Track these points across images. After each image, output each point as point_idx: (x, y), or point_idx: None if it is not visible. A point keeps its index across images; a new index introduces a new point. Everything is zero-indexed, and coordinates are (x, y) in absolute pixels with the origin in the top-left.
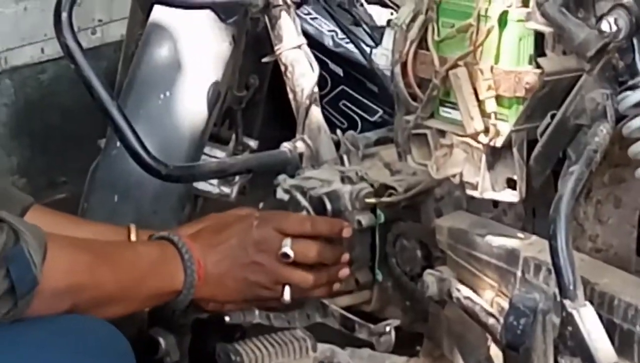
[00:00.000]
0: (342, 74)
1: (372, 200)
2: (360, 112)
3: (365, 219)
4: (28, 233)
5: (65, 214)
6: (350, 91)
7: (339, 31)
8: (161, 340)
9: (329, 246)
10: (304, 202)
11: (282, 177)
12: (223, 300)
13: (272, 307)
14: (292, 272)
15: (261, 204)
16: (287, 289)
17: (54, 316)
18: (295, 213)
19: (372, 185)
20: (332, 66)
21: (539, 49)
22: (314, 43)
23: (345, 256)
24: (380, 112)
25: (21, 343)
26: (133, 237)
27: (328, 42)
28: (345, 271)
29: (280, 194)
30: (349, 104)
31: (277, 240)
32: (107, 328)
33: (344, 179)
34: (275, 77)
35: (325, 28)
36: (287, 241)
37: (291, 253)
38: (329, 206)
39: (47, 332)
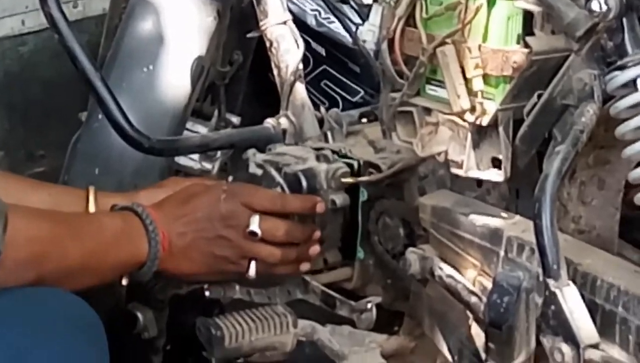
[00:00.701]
0: (324, 54)
1: (349, 180)
2: (341, 92)
3: (339, 199)
4: None
5: (22, 177)
6: (332, 71)
7: (322, 10)
8: (139, 315)
9: (299, 225)
10: (278, 178)
11: (251, 151)
12: (188, 272)
13: (240, 281)
14: (259, 247)
15: (230, 178)
16: (252, 264)
17: (19, 289)
18: (264, 189)
19: (356, 162)
20: (314, 45)
21: (528, 28)
22: (297, 22)
23: (317, 234)
24: (362, 92)
25: None
26: (91, 200)
27: (311, 21)
28: (315, 249)
29: (253, 168)
30: (331, 84)
31: (245, 216)
32: (73, 300)
33: (319, 157)
34: (259, 54)
35: (309, 7)
36: (255, 219)
37: (259, 231)
38: (304, 183)
39: (8, 303)
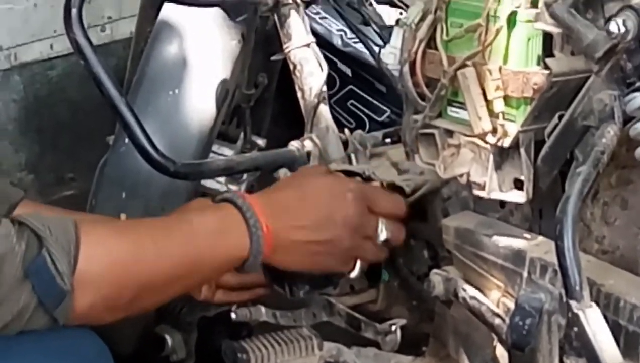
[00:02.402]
0: (350, 74)
1: None
2: (368, 112)
3: None
4: (51, 239)
5: (52, 206)
6: (359, 91)
7: (347, 31)
8: (167, 338)
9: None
10: None
11: (282, 171)
12: (292, 268)
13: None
14: (372, 250)
15: None
16: (358, 265)
17: None
18: (383, 191)
19: (381, 184)
20: (340, 65)
21: (548, 49)
22: (323, 42)
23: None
24: (388, 112)
25: None
26: None
27: (337, 41)
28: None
29: None
30: (357, 104)
31: (373, 223)
32: (81, 333)
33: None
34: (284, 76)
35: (334, 27)
36: (383, 226)
37: (388, 237)
38: None
39: (16, 336)
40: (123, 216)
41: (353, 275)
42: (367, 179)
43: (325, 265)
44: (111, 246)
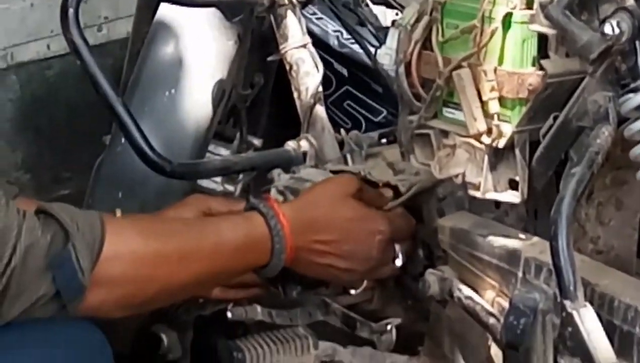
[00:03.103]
0: (346, 75)
1: None
2: (364, 112)
3: None
4: (78, 234)
5: (69, 208)
6: (355, 92)
7: (344, 31)
8: (163, 337)
9: None
10: None
11: (276, 171)
12: (308, 275)
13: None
14: (387, 274)
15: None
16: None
17: None
18: (403, 217)
19: (376, 184)
20: (336, 66)
21: (542, 51)
22: (319, 43)
23: None
24: (385, 112)
25: None
26: None
27: (333, 42)
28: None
29: (275, 194)
30: (354, 105)
31: (391, 254)
32: (81, 325)
33: None
34: (281, 76)
35: (331, 28)
36: (400, 253)
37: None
38: None
39: (16, 328)
40: (118, 212)
41: (357, 291)
42: (364, 181)
43: (338, 283)
44: (135, 249)
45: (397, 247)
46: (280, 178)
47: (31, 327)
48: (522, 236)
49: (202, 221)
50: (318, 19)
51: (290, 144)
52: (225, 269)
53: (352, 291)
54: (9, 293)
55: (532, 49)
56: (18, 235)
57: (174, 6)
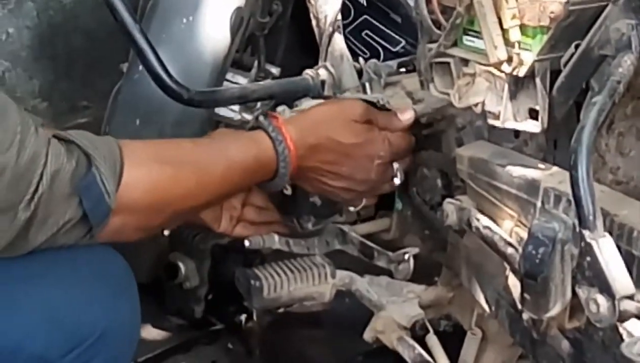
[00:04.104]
0: (365, 4)
1: None
2: (382, 42)
3: None
4: (100, 158)
5: (86, 134)
6: (373, 21)
7: None
8: (181, 265)
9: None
10: None
11: (281, 108)
12: (314, 191)
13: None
14: (383, 189)
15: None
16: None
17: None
18: (406, 140)
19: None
20: None
21: None
22: None
23: None
24: (403, 42)
25: (11, 276)
26: None
27: None
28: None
29: None
30: (372, 34)
31: (391, 172)
32: (104, 252)
33: None
34: (299, 4)
35: None
36: (399, 172)
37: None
38: None
39: (39, 258)
40: None
41: (355, 209)
42: (382, 108)
43: (337, 199)
44: (153, 170)
45: (396, 166)
46: (285, 113)
47: (56, 257)
48: (541, 166)
49: (213, 143)
50: None
51: (309, 73)
52: (234, 188)
53: (351, 208)
54: (36, 219)
55: None
56: (45, 162)
57: None
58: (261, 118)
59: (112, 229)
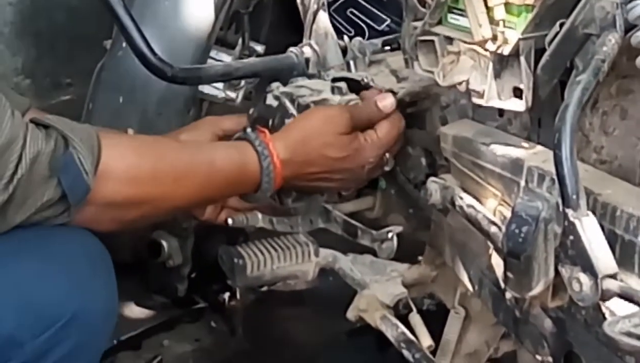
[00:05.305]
0: None
1: None
2: (367, 20)
3: None
4: (78, 139)
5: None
6: None
7: None
8: (164, 243)
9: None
10: (292, 110)
11: (275, 84)
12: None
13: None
14: (373, 176)
15: (251, 110)
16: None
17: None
18: (395, 129)
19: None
20: None
21: None
22: None
23: None
24: (388, 21)
25: None
26: None
27: None
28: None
29: (270, 100)
30: (357, 12)
31: (382, 162)
32: (79, 232)
33: (334, 89)
34: None
35: None
36: (389, 161)
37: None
38: None
39: (16, 237)
40: (131, 131)
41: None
42: (366, 87)
43: (328, 191)
44: (131, 163)
45: (387, 155)
46: (279, 89)
47: (30, 237)
48: (525, 144)
49: (197, 146)
50: None
51: (293, 50)
52: (214, 194)
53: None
54: (14, 201)
55: None
56: (24, 145)
57: None
58: (249, 131)
59: (88, 218)
